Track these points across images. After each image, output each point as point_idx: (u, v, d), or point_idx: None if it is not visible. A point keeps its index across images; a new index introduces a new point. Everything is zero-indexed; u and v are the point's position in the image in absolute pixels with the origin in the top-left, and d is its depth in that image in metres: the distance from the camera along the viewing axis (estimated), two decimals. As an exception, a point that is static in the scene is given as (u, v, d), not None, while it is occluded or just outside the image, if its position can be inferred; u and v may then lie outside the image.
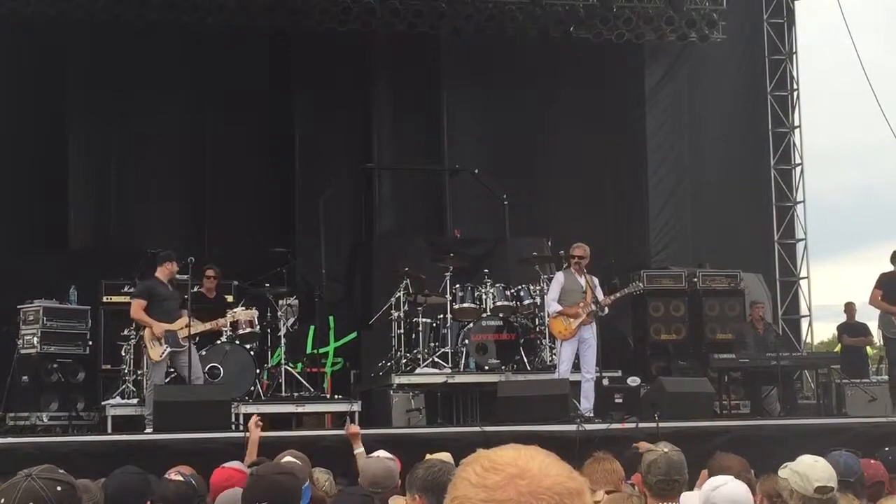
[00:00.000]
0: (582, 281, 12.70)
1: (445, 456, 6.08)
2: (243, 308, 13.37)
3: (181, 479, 5.62)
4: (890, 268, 14.14)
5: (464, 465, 1.95)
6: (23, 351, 13.76)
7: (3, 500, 3.21)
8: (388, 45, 18.24)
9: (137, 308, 12.36)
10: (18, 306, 14.02)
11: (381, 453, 6.65)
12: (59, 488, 3.26)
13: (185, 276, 12.53)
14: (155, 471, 6.17)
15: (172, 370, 12.49)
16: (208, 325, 12.75)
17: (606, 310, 12.83)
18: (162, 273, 12.37)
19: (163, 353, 12.13)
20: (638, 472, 5.52)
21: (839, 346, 16.73)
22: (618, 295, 13.17)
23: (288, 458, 5.75)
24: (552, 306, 12.73)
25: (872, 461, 6.55)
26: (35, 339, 13.73)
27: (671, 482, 5.28)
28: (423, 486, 4.72)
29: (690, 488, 5.41)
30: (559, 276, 12.89)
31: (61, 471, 3.42)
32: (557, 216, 17.62)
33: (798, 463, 5.38)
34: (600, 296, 12.75)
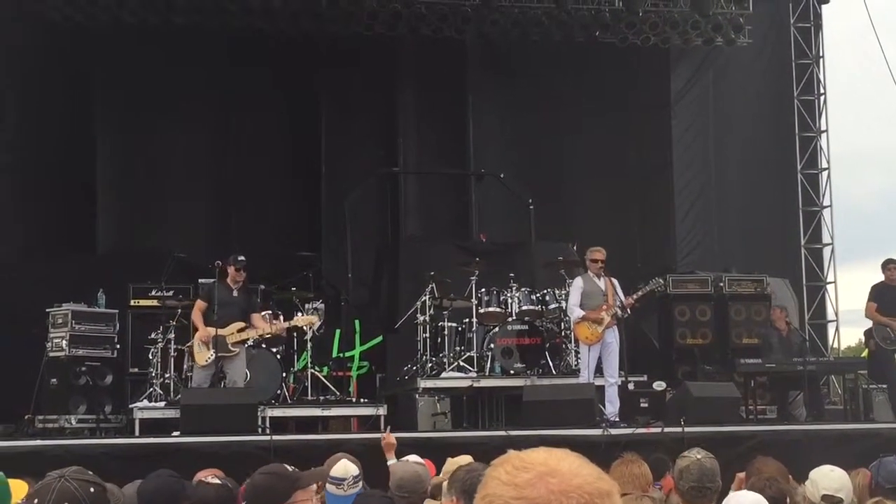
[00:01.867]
0: (602, 284, 12.70)
1: (468, 459, 6.10)
2: (301, 314, 13.34)
3: (219, 482, 5.64)
4: (881, 278, 14.12)
5: (494, 465, 1.97)
6: (51, 354, 13.85)
7: (36, 501, 3.24)
8: (413, 50, 18.26)
9: (196, 309, 12.50)
10: (47, 309, 14.11)
11: (412, 458, 6.66)
12: (91, 489, 3.30)
13: (212, 280, 12.61)
14: (183, 474, 6.22)
15: (222, 374, 12.50)
16: (265, 331, 12.70)
17: (629, 311, 12.82)
18: (228, 277, 12.44)
19: (208, 357, 12.13)
20: (669, 475, 5.51)
21: (866, 351, 16.64)
22: (639, 293, 13.15)
23: (342, 464, 5.78)
24: (575, 312, 12.71)
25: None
26: (64, 342, 13.83)
27: (703, 489, 5.27)
28: (462, 489, 4.74)
29: (724, 494, 5.40)
30: (578, 282, 12.88)
31: (90, 472, 3.46)
32: (583, 220, 17.60)
33: (816, 471, 5.41)
34: (621, 297, 12.74)
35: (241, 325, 12.27)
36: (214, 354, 12.10)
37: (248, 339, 12.46)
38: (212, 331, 12.11)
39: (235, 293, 12.40)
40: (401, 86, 18.52)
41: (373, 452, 8.64)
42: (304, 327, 13.60)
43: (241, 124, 17.79)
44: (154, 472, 5.18)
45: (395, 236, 17.91)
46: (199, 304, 12.48)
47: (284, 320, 13.40)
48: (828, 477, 5.32)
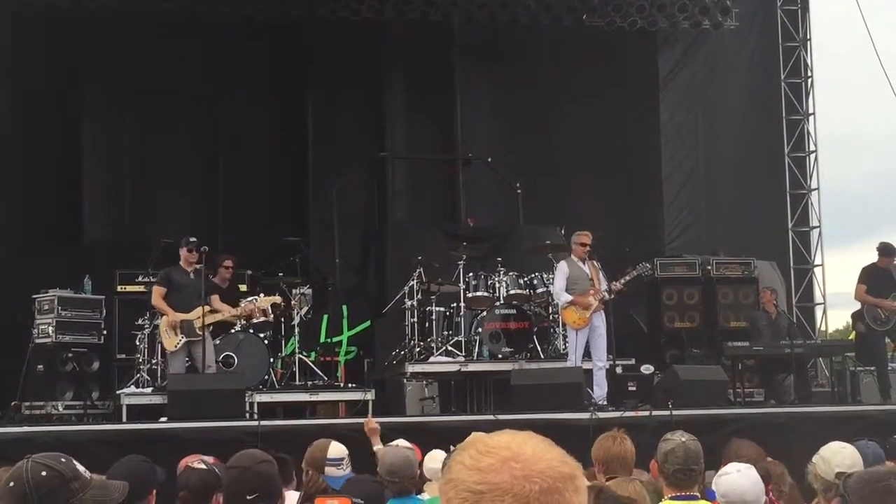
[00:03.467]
0: (587, 268, 12.69)
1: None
2: (263, 295, 13.34)
3: (204, 466, 5.61)
4: (871, 261, 14.16)
5: (460, 449, 1.98)
6: (38, 340, 13.79)
7: (2, 480, 3.25)
8: (401, 34, 18.20)
9: (156, 295, 12.53)
10: (33, 296, 14.06)
11: (401, 442, 6.66)
12: (43, 473, 3.23)
13: (199, 266, 12.59)
14: (170, 460, 6.19)
15: (188, 360, 12.56)
16: (229, 314, 12.71)
17: (613, 294, 12.81)
18: (182, 260, 12.47)
19: (178, 343, 12.20)
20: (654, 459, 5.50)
21: (854, 333, 16.69)
22: (627, 278, 13.14)
23: (335, 446, 5.77)
24: (563, 296, 12.69)
25: None
26: (50, 328, 13.76)
27: (689, 471, 5.28)
28: None
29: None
30: (563, 266, 12.85)
31: (64, 459, 3.39)
32: (571, 204, 17.57)
33: (825, 448, 5.39)
34: (604, 282, 12.73)
35: (206, 308, 12.30)
36: (183, 339, 12.15)
37: (212, 323, 12.46)
38: (181, 315, 12.22)
39: (192, 276, 12.46)
40: (388, 70, 18.48)
41: (360, 437, 8.65)
42: (295, 310, 13.63)
43: (229, 110, 17.73)
44: (125, 457, 5.16)
45: (382, 221, 17.88)
46: (159, 290, 12.52)
47: (272, 306, 13.43)
48: (840, 454, 5.30)
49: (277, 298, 13.28)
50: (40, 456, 3.33)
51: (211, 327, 12.58)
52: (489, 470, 1.89)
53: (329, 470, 5.52)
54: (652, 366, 13.78)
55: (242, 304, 12.99)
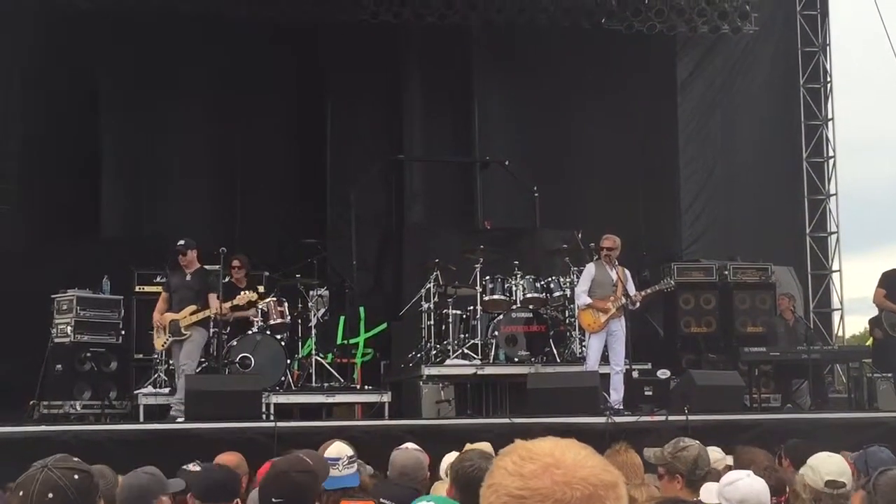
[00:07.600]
0: (613, 273, 12.67)
1: (485, 446, 6.11)
2: (273, 298, 13.39)
3: (199, 468, 5.69)
4: (892, 267, 14.14)
5: (502, 454, 2.00)
6: (56, 340, 13.86)
7: (21, 493, 3.22)
8: (419, 37, 18.22)
9: (160, 300, 12.85)
10: (52, 296, 14.14)
11: (410, 445, 6.69)
12: (76, 476, 3.28)
13: (217, 266, 12.66)
14: (186, 460, 6.23)
15: (203, 360, 12.63)
16: (214, 310, 12.57)
17: (637, 304, 12.82)
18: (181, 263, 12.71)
19: (164, 342, 12.48)
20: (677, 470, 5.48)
21: (871, 339, 16.63)
22: (648, 291, 13.17)
23: (336, 445, 5.79)
24: (581, 298, 12.71)
25: None
26: (69, 328, 13.84)
27: (707, 473, 5.35)
28: (455, 479, 4.76)
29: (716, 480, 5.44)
30: (590, 268, 12.87)
31: (76, 459, 3.46)
32: (588, 208, 17.56)
33: (814, 458, 5.42)
34: (631, 288, 12.72)
35: (194, 307, 12.38)
36: (170, 338, 12.27)
37: (200, 320, 12.47)
38: (168, 316, 12.42)
39: (188, 277, 12.64)
40: (406, 73, 18.48)
41: (376, 439, 8.68)
42: (312, 312, 13.68)
43: (247, 112, 17.74)
44: (139, 468, 5.20)
45: (399, 224, 17.89)
46: (163, 296, 12.84)
47: (289, 308, 13.49)
48: (827, 462, 5.33)
49: (254, 295, 13.26)
50: (57, 462, 3.36)
51: (226, 327, 12.63)
52: (531, 476, 1.91)
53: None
54: (668, 371, 13.78)
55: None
